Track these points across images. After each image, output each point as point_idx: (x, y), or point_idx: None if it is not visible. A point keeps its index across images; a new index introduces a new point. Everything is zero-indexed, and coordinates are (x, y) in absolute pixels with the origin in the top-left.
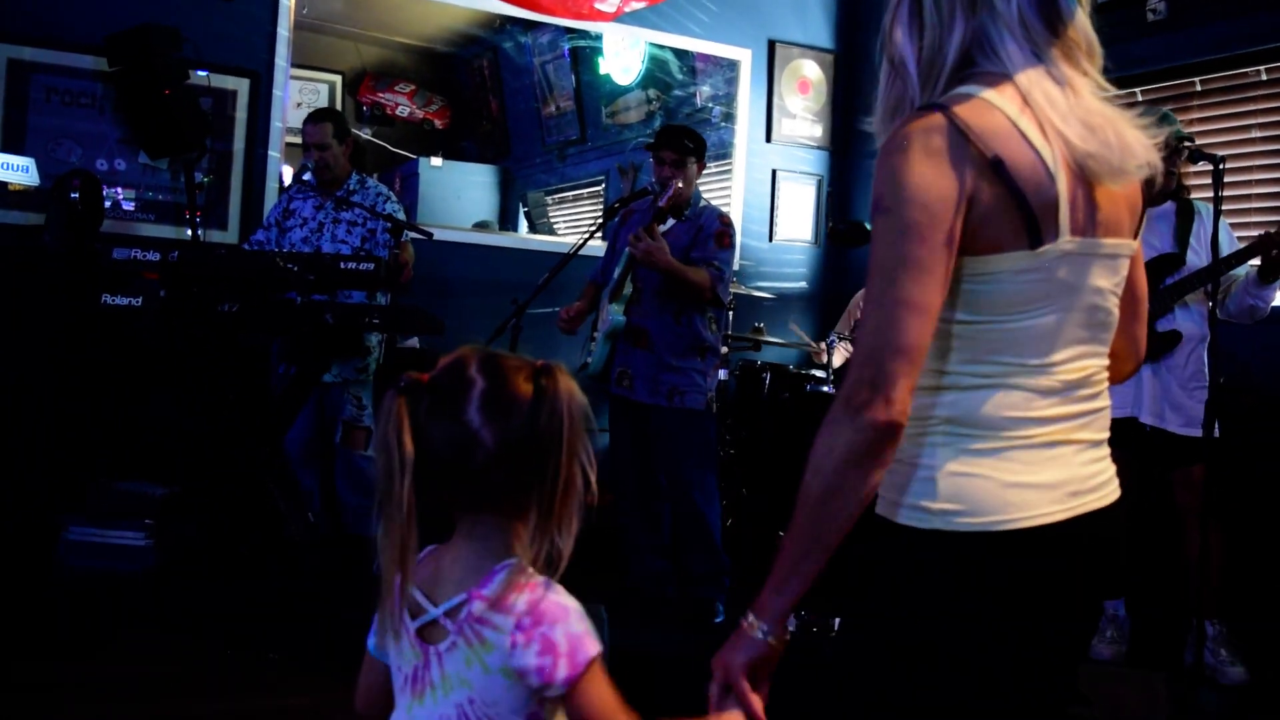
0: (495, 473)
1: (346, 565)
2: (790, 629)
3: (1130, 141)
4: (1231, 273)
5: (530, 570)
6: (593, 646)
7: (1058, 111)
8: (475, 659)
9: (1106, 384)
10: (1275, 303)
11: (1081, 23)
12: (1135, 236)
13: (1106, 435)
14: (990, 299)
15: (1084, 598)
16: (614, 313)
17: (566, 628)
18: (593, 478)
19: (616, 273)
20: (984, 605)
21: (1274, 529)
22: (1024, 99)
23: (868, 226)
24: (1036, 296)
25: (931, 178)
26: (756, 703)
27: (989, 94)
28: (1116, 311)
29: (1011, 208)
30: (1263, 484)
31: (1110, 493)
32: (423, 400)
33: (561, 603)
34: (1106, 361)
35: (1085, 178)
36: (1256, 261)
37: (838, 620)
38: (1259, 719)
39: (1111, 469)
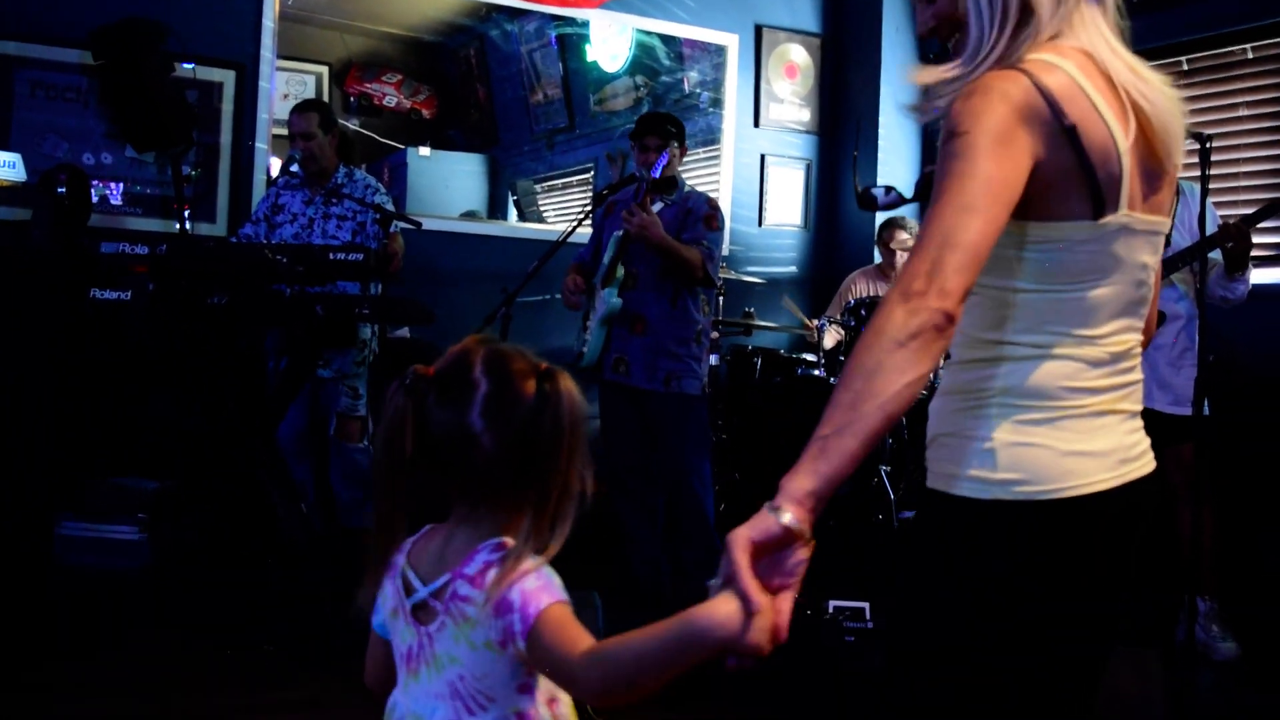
0: (494, 472)
1: (341, 558)
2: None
3: (1180, 125)
4: (1214, 254)
5: (515, 548)
6: (546, 596)
7: (1135, 76)
8: (462, 636)
9: (1140, 357)
10: (1262, 281)
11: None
12: (1170, 215)
13: (1140, 407)
14: (1049, 267)
15: (1130, 559)
16: (608, 297)
17: (521, 585)
18: (589, 481)
19: (607, 258)
20: (1050, 569)
21: (1264, 505)
22: (1105, 75)
23: (898, 191)
24: (1092, 268)
25: (1007, 121)
26: (747, 577)
27: (1067, 65)
28: (1154, 287)
29: (1080, 176)
30: (1252, 461)
31: (1149, 461)
32: (427, 395)
33: (524, 565)
34: (1141, 336)
35: (1143, 152)
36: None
37: (831, 604)
38: (1251, 695)
39: (1146, 440)
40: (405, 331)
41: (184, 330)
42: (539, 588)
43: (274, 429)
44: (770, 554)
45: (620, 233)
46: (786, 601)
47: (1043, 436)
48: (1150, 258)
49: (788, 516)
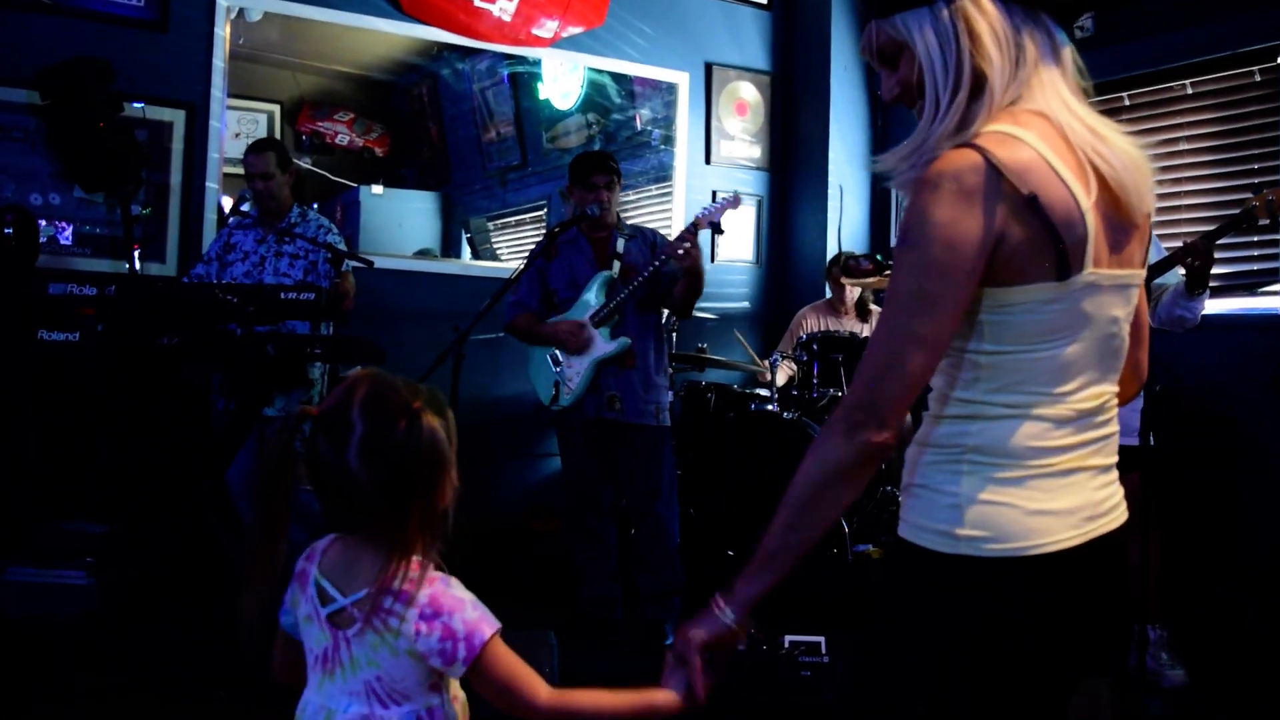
0: (374, 503)
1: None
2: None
3: (1146, 176)
4: (1160, 281)
5: (429, 566)
6: (488, 629)
7: (1093, 136)
8: (382, 643)
9: (1115, 410)
10: (1205, 311)
11: (1071, 55)
12: (1143, 266)
13: (1115, 460)
14: (1014, 330)
15: (1101, 616)
16: (604, 336)
17: (463, 615)
18: (457, 481)
19: (594, 301)
20: (1009, 625)
21: (1209, 533)
22: (1054, 131)
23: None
24: (1059, 327)
25: (959, 218)
26: (700, 679)
27: (1021, 131)
28: (1128, 340)
29: (1044, 243)
30: (1197, 489)
31: (1119, 515)
32: (315, 435)
33: (457, 595)
34: (1117, 389)
35: (1108, 207)
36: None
37: (787, 639)
38: None
39: (1120, 492)
40: (357, 370)
41: (132, 371)
42: (479, 618)
43: (223, 470)
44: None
45: (610, 273)
46: (716, 676)
47: (1010, 495)
48: (1121, 310)
49: (734, 620)
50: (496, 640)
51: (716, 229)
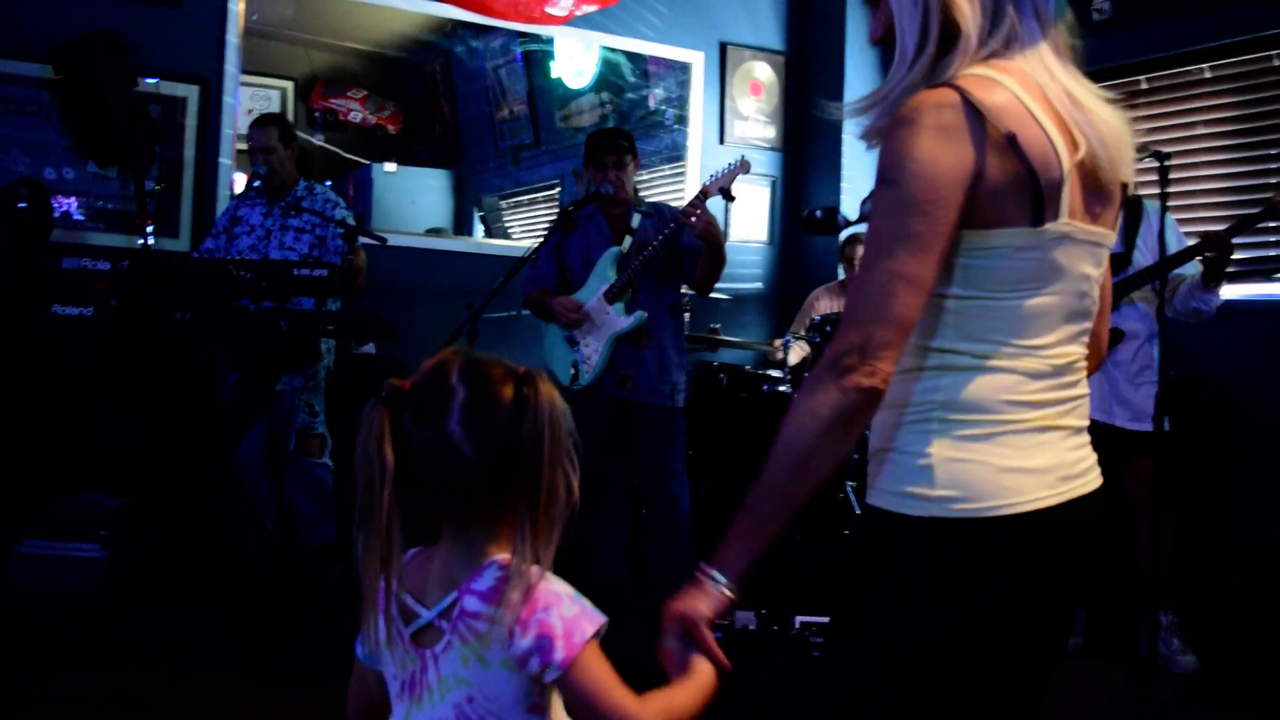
0: (478, 481)
1: (301, 576)
2: (750, 628)
3: (1125, 144)
4: (1177, 271)
5: (518, 562)
6: (589, 627)
7: (1070, 102)
8: (472, 655)
9: (1085, 372)
10: (1221, 299)
11: (1065, 23)
12: (1113, 229)
13: (1087, 423)
14: (988, 274)
15: (1074, 581)
16: (619, 312)
17: (560, 610)
18: (575, 485)
19: (609, 276)
20: (983, 588)
21: (1222, 518)
22: (1039, 86)
23: (844, 215)
24: (1031, 276)
25: (940, 153)
26: (720, 652)
27: (1000, 75)
28: (1098, 301)
29: (1021, 184)
30: (1211, 474)
31: (1094, 479)
32: (405, 409)
33: (554, 589)
34: (1086, 350)
35: (1083, 171)
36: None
37: (798, 619)
38: (1210, 707)
39: (1092, 456)
40: (370, 347)
41: (144, 346)
42: (578, 614)
43: (234, 446)
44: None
45: (622, 249)
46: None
47: (981, 453)
48: (1093, 269)
49: (730, 590)
50: (596, 642)
51: (727, 195)
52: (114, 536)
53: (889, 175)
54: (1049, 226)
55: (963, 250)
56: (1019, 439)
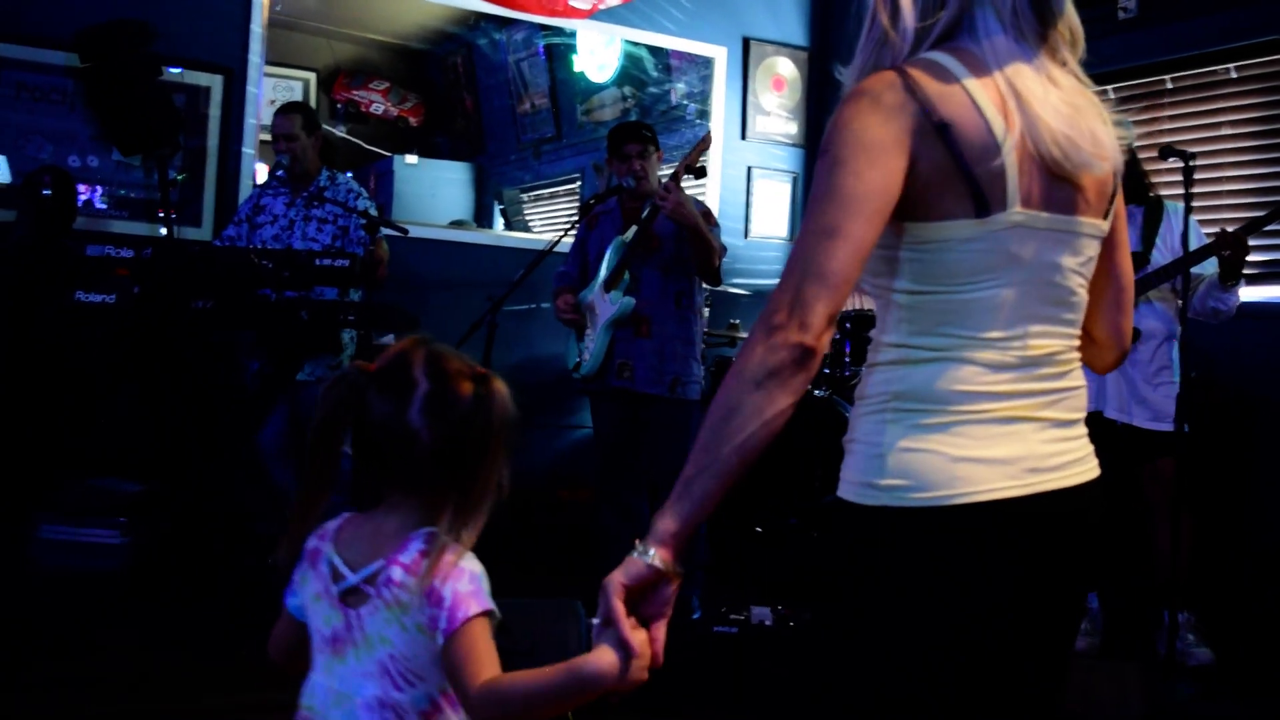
0: (429, 467)
1: None
2: (767, 623)
3: (1100, 135)
4: (1197, 270)
5: (443, 538)
6: (475, 606)
7: (1032, 95)
8: (394, 619)
9: (1077, 364)
10: (1241, 300)
11: (1070, 16)
12: (1105, 218)
13: (1079, 416)
14: (936, 268)
15: (1057, 576)
16: (614, 299)
17: (455, 585)
18: (506, 480)
19: (610, 263)
20: (937, 578)
21: (1241, 517)
22: (991, 76)
23: None
24: (984, 267)
25: (873, 125)
26: (628, 627)
27: (952, 63)
28: (1082, 292)
29: (956, 174)
30: (1227, 475)
31: (1080, 472)
32: (367, 390)
33: (461, 565)
34: (1075, 342)
35: (1044, 158)
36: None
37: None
38: (1227, 704)
39: (1085, 449)
40: (391, 338)
41: (167, 333)
42: (470, 593)
43: (254, 432)
44: (643, 592)
45: (625, 237)
46: (660, 630)
47: (935, 442)
48: (1069, 259)
49: (655, 558)
50: (481, 623)
51: (695, 172)
52: (133, 523)
53: (826, 147)
54: (996, 217)
55: (909, 244)
56: (977, 429)
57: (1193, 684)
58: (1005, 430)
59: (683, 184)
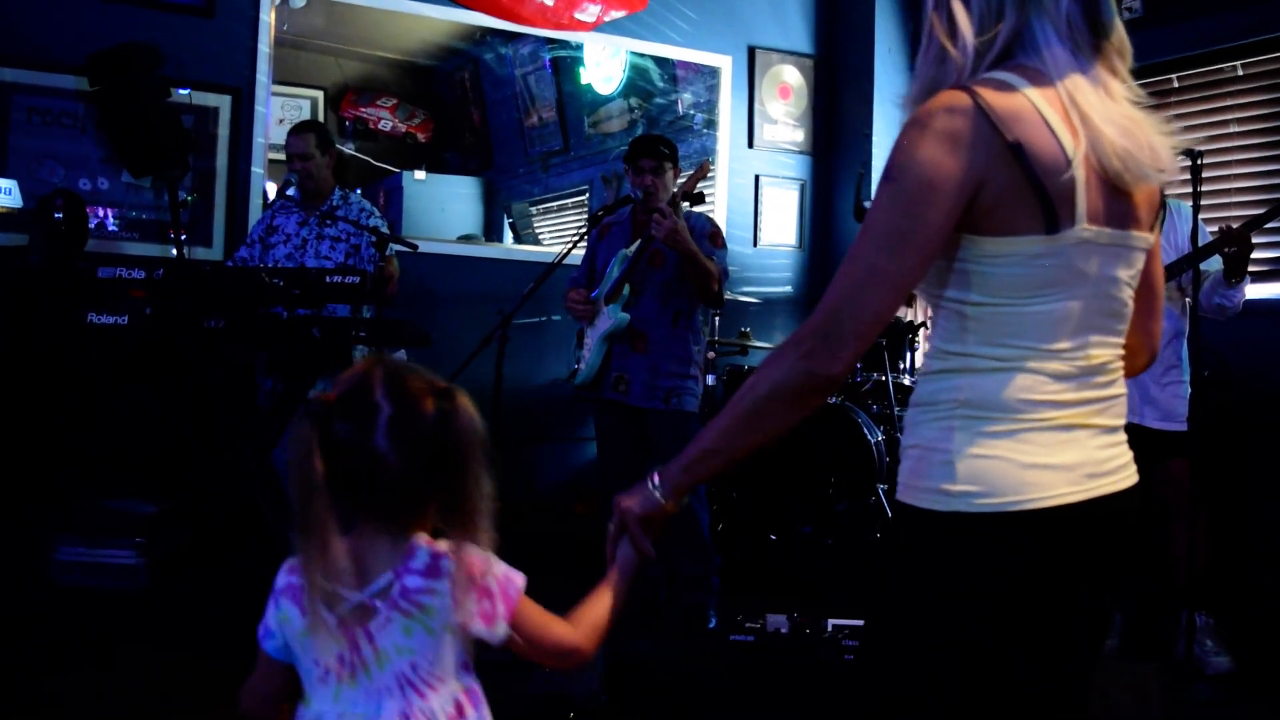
0: (400, 487)
1: None
2: (783, 631)
3: (1158, 147)
4: (1204, 266)
5: (442, 542)
6: (518, 579)
7: (1092, 109)
8: (417, 626)
9: (1121, 372)
10: (1253, 296)
11: (1120, 28)
12: (1153, 230)
13: (1123, 422)
14: (1004, 281)
15: (1103, 576)
16: (612, 313)
17: (493, 572)
18: (491, 487)
19: (613, 276)
20: (1005, 584)
21: (1257, 519)
22: (1055, 91)
23: None
24: (1051, 281)
25: (941, 158)
26: (647, 544)
27: (1019, 81)
28: (1132, 303)
29: (1029, 192)
30: (1246, 474)
31: (1126, 477)
32: (332, 422)
33: (480, 554)
34: (1122, 350)
35: (1105, 169)
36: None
37: (830, 623)
38: (1246, 708)
39: (1128, 454)
40: (403, 354)
41: (180, 353)
42: (505, 574)
43: (269, 450)
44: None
45: (628, 251)
46: (649, 547)
47: (1004, 449)
48: (1123, 272)
49: (667, 501)
50: (523, 594)
51: (692, 199)
52: (150, 543)
53: (891, 173)
54: (1065, 233)
55: (976, 257)
56: (1042, 436)
57: (1212, 686)
58: (1066, 437)
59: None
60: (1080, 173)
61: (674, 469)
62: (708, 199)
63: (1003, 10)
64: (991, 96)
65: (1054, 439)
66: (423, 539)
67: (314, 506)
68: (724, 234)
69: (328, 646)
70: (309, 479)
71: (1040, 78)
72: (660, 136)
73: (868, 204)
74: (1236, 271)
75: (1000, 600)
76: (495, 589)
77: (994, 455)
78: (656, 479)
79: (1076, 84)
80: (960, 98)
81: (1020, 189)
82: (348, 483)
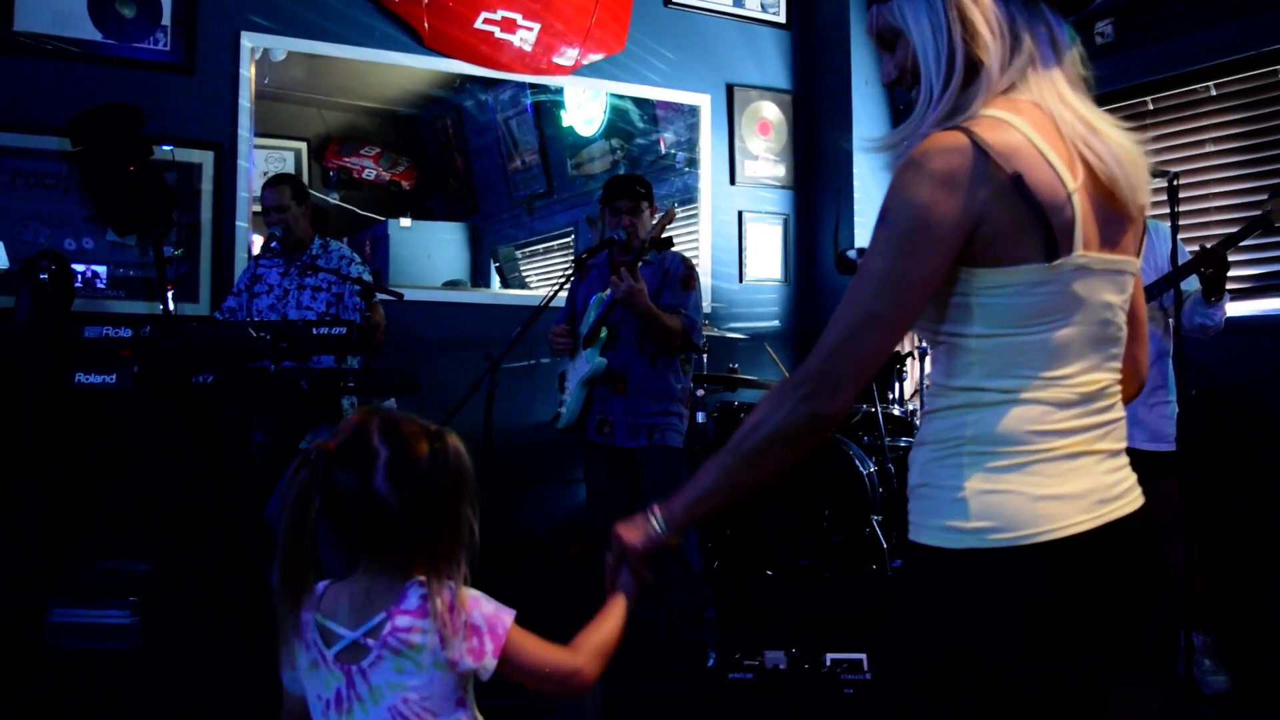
0: (400, 527)
1: None
2: (781, 667)
3: (1141, 169)
4: (1185, 286)
5: (436, 584)
6: (506, 615)
7: (1086, 128)
8: (408, 663)
9: (1119, 396)
10: (1240, 313)
11: (1077, 52)
12: (1138, 255)
13: (1124, 445)
14: (1005, 311)
15: (1121, 601)
16: (590, 357)
17: (480, 610)
18: (476, 528)
19: (589, 320)
20: (1025, 617)
21: (1250, 536)
22: (1046, 119)
23: None
24: (1050, 309)
25: (937, 201)
26: (648, 573)
27: (1009, 115)
28: (1126, 327)
29: (1030, 223)
30: (1236, 492)
31: (1134, 500)
32: (332, 468)
33: (471, 594)
34: (1119, 375)
35: (1098, 196)
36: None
37: (829, 657)
38: None
39: (1132, 477)
40: (392, 402)
41: (169, 410)
42: (494, 610)
43: (262, 504)
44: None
45: (604, 295)
46: (646, 575)
47: (1014, 483)
48: (1115, 297)
49: (667, 536)
50: (516, 626)
51: (659, 245)
52: (144, 602)
53: (887, 217)
54: (1064, 260)
55: (978, 289)
56: (1050, 466)
57: (1211, 707)
58: (1074, 465)
59: (669, 231)
60: (1077, 199)
61: (677, 505)
62: (692, 237)
63: (999, 39)
64: (987, 133)
65: (1062, 468)
66: (418, 579)
67: (302, 550)
68: (700, 273)
69: (326, 681)
70: (302, 524)
71: (1032, 108)
72: (635, 176)
73: (850, 253)
74: (1215, 291)
75: (1020, 634)
76: (483, 625)
77: (1005, 489)
78: (658, 513)
79: (1075, 104)
80: (957, 138)
81: (1022, 221)
82: (351, 526)
